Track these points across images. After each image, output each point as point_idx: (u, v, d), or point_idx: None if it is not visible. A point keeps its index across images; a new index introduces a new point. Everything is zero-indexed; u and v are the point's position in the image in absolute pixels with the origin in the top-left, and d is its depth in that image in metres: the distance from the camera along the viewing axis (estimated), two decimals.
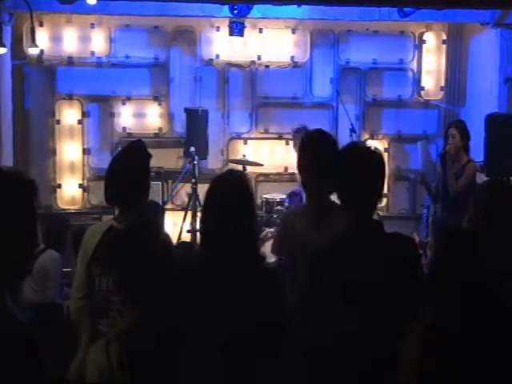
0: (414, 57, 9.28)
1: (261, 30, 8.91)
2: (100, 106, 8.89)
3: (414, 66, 9.30)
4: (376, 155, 3.10)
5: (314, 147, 3.62)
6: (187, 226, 8.04)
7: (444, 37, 9.28)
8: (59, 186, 8.85)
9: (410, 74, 9.31)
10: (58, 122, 8.77)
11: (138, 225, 3.32)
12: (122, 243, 3.11)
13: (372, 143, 8.37)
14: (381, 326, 2.80)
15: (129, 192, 3.36)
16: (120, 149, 4.14)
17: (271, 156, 9.14)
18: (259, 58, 8.99)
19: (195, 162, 8.03)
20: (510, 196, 3.39)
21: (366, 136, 9.18)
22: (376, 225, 3.05)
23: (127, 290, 2.50)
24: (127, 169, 3.40)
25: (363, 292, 2.81)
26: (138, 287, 2.48)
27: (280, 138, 9.07)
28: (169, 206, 8.43)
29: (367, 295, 2.80)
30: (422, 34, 9.25)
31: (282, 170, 9.09)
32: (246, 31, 8.44)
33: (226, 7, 8.00)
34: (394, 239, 3.04)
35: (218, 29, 8.85)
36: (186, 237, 7.87)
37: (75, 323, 3.44)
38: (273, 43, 8.98)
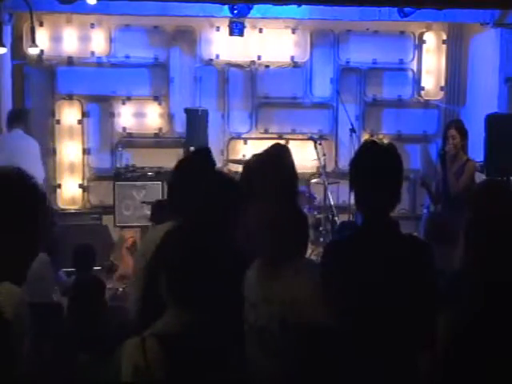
0: (414, 57, 9.28)
1: (261, 30, 8.91)
2: (100, 106, 8.89)
3: (414, 66, 9.30)
4: (391, 154, 2.99)
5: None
6: None
7: (444, 37, 9.28)
8: (59, 185, 8.85)
9: (410, 74, 9.31)
10: (58, 121, 8.77)
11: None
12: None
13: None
14: (382, 325, 2.80)
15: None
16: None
17: None
18: (259, 57, 8.99)
19: None
20: (504, 198, 3.36)
21: (366, 136, 9.17)
22: (391, 226, 2.96)
23: (177, 289, 2.46)
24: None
25: (368, 292, 2.80)
26: (189, 288, 2.45)
27: (280, 138, 9.02)
28: None
29: (372, 295, 2.80)
30: (422, 34, 9.25)
31: None
32: (245, 31, 8.45)
33: (225, 7, 8.01)
34: (407, 242, 2.97)
35: (217, 29, 8.85)
36: None
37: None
38: (273, 43, 8.97)
